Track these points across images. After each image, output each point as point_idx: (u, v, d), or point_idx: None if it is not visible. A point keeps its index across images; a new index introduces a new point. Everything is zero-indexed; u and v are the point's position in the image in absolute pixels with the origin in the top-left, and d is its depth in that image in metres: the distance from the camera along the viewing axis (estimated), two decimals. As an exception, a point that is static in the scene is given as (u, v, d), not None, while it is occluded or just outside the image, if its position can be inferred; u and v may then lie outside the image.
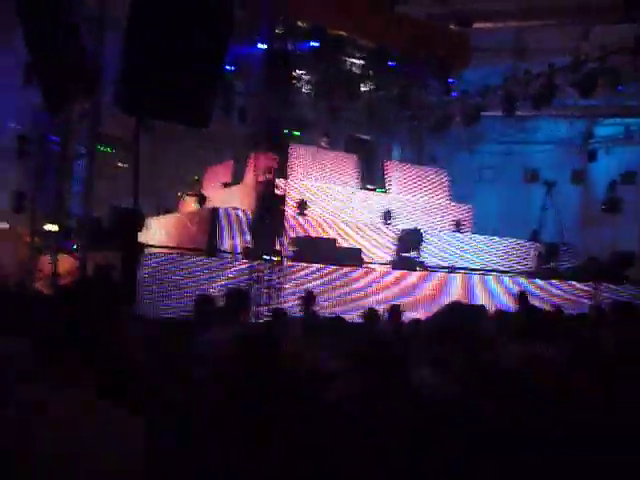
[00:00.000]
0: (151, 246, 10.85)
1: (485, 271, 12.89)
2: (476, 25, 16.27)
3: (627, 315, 4.80)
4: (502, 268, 13.58)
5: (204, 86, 9.11)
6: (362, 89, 16.26)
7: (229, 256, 11.13)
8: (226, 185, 15.11)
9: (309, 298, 8.24)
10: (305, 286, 10.50)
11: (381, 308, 7.44)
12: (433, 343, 2.04)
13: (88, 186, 9.61)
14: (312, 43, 14.42)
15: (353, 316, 8.02)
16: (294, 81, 14.33)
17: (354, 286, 10.99)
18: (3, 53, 12.73)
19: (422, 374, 1.98)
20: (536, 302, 9.64)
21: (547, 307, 8.72)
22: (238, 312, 5.49)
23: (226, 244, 11.54)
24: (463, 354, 1.97)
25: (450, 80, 16.43)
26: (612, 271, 13.34)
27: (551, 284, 12.34)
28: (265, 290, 10.50)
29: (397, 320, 7.02)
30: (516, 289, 11.18)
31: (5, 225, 17.40)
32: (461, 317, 2.10)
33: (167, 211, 15.04)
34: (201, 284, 9.91)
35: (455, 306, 2.08)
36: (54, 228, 10.68)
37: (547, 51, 17.02)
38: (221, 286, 9.30)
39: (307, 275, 10.88)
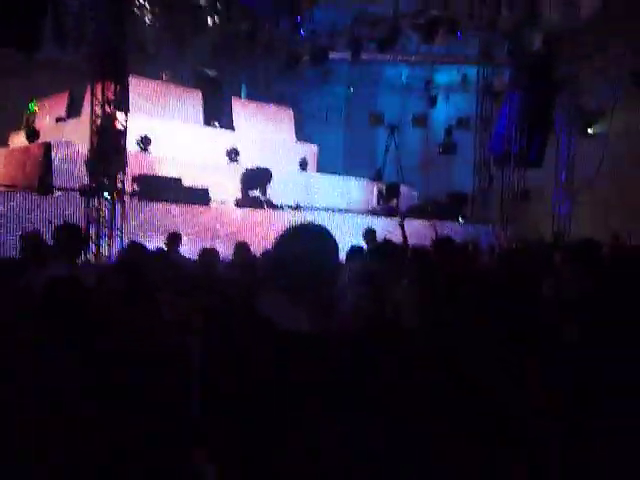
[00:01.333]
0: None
1: (329, 209, 13.14)
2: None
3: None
4: (345, 207, 13.93)
5: (33, 6, 8.35)
6: (209, 23, 15.65)
7: (63, 194, 10.45)
8: (60, 119, 14.12)
9: (174, 238, 7.93)
10: (148, 225, 10.17)
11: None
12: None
13: None
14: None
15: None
16: (135, 8, 13.47)
17: (200, 226, 10.81)
18: None
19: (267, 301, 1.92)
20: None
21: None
22: (71, 250, 5.17)
23: (60, 181, 10.83)
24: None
25: (299, 19, 16.24)
26: (448, 210, 14.14)
27: (392, 222, 12.83)
28: (104, 229, 10.04)
29: (244, 256, 6.96)
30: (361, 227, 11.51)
31: None
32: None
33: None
34: (33, 224, 9.29)
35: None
36: None
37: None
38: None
39: (151, 214, 10.53)
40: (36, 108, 14.63)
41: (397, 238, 9.31)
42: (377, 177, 15.39)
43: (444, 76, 19.83)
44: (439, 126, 18.68)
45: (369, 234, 8.64)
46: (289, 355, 1.74)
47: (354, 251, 5.52)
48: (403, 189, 14.85)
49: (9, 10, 8.11)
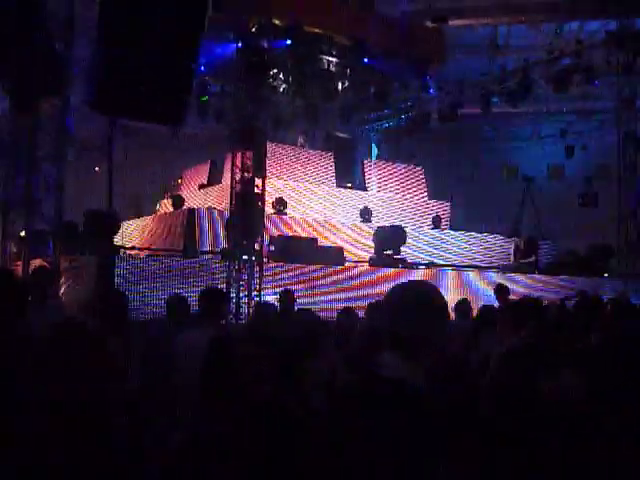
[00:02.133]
0: (127, 248, 10.68)
1: (465, 266, 12.85)
2: (452, 22, 16.26)
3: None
4: (482, 264, 13.57)
5: (177, 84, 8.97)
6: (339, 87, 16.16)
7: (207, 257, 10.98)
8: (203, 186, 14.97)
9: (288, 296, 8.10)
10: (285, 285, 10.39)
11: (361, 305, 7.35)
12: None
13: (59, 189, 9.40)
14: (287, 41, 14.31)
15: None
16: (270, 80, 14.19)
17: (336, 285, 10.91)
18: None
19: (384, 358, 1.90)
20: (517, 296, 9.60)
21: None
22: (214, 312, 5.37)
23: (204, 245, 11.40)
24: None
25: (427, 77, 16.40)
26: (591, 264, 13.39)
27: (531, 278, 12.33)
28: (243, 290, 10.38)
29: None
30: (496, 283, 11.16)
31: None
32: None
33: (143, 214, 14.85)
34: (179, 286, 9.76)
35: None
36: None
37: (523, 47, 17.08)
38: (199, 287, 9.15)
39: (287, 274, 10.77)
40: (179, 180, 15.65)
41: (539, 294, 8.91)
42: (513, 232, 14.90)
43: (581, 124, 19.16)
44: (577, 176, 17.93)
45: (501, 291, 8.37)
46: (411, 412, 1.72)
47: (485, 312, 5.38)
48: (542, 243, 14.28)
49: (157, 88, 8.74)
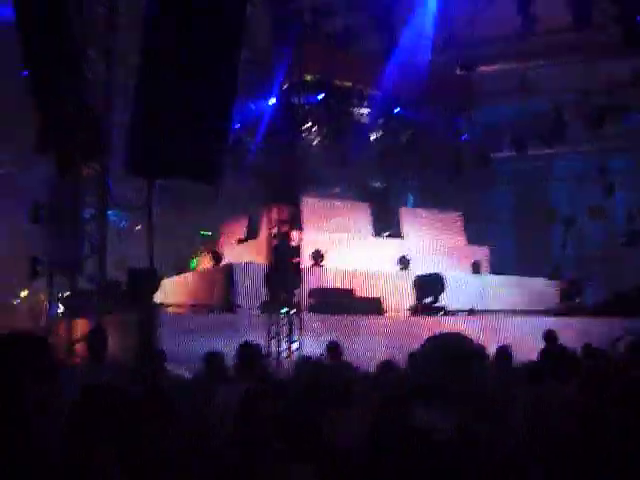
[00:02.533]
0: (167, 305, 10.81)
1: (506, 311, 12.62)
2: (481, 69, 16.43)
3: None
4: (524, 307, 13.31)
5: (213, 143, 9.18)
6: (371, 137, 16.36)
7: (246, 311, 11.03)
8: (241, 241, 15.14)
9: (335, 350, 8.07)
10: (324, 337, 10.34)
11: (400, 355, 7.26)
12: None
13: (101, 249, 9.65)
14: (319, 96, 14.62)
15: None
16: (304, 133, 14.45)
17: (373, 336, 10.82)
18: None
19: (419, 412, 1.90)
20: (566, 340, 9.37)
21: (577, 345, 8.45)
22: (251, 367, 5.39)
23: (243, 299, 11.47)
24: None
25: (458, 123, 16.52)
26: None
27: (578, 321, 12.03)
28: (284, 343, 10.37)
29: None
30: (542, 328, 10.92)
31: (25, 292, 17.50)
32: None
33: (184, 270, 15.06)
34: (219, 341, 9.80)
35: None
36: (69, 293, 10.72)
37: (554, 89, 17.11)
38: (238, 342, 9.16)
39: (325, 326, 10.73)
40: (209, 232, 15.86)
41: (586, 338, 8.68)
42: (555, 274, 14.63)
43: (619, 162, 18.92)
44: (619, 215, 17.63)
45: (550, 336, 8.21)
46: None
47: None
48: (587, 285, 13.98)
49: (193, 149, 8.96)
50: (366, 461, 1.86)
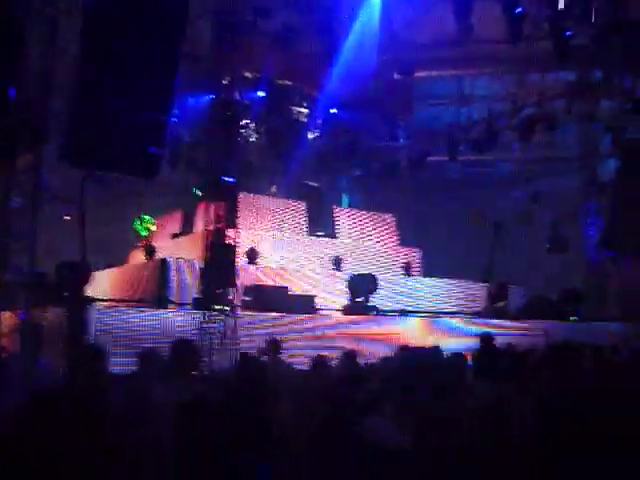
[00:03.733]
0: (98, 300, 10.58)
1: (437, 313, 12.96)
2: (418, 74, 16.77)
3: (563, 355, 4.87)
4: (453, 310, 13.70)
5: (150, 136, 9.09)
6: (309, 136, 16.47)
7: (179, 307, 10.93)
8: (175, 236, 14.97)
9: (275, 345, 8.14)
10: (258, 335, 10.37)
11: (334, 354, 7.39)
12: (384, 392, 2.04)
13: (31, 240, 9.38)
14: (259, 93, 14.60)
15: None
16: (241, 130, 14.40)
17: (307, 334, 10.91)
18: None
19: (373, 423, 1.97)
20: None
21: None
22: (185, 365, 5.38)
23: (175, 295, 11.36)
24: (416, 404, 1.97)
25: (396, 127, 16.81)
26: (560, 308, 13.60)
27: (502, 324, 12.45)
28: (217, 341, 10.32)
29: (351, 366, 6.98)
30: (470, 330, 11.28)
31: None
32: (414, 364, 2.09)
33: (113, 264, 14.75)
34: (150, 337, 9.69)
35: (406, 352, 2.09)
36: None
37: (487, 97, 17.64)
38: (171, 338, 9.09)
39: (262, 324, 10.77)
40: (150, 226, 15.54)
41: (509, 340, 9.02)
42: (485, 278, 15.08)
43: (546, 171, 19.63)
44: (545, 222, 18.29)
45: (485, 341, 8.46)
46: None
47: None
48: (512, 289, 14.47)
49: (130, 141, 8.84)
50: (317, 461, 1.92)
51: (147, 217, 15.32)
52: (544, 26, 14.40)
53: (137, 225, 15.19)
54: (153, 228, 15.12)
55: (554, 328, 12.14)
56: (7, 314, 9.95)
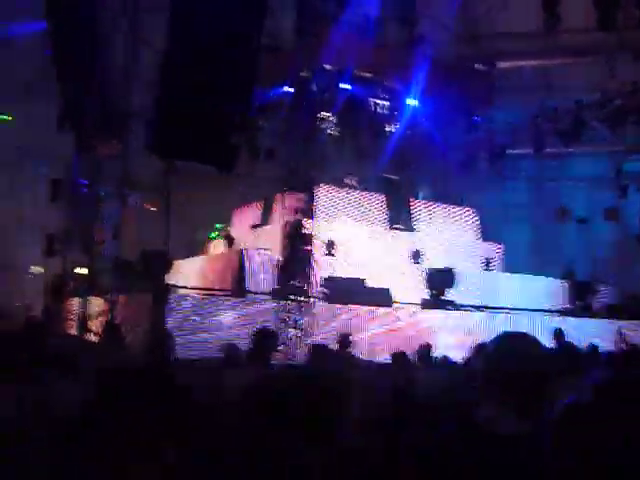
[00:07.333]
0: (179, 287, 10.88)
1: (517, 310, 12.62)
2: (501, 65, 16.34)
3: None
4: (534, 307, 13.30)
5: (231, 128, 9.23)
6: (387, 129, 16.32)
7: (257, 297, 11.10)
8: (254, 227, 15.18)
9: (345, 341, 8.20)
10: (334, 325, 10.41)
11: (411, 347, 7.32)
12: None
13: (117, 229, 9.73)
14: (341, 85, 14.56)
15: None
16: (320, 122, 14.43)
17: (385, 326, 10.87)
18: (40, 102, 13.07)
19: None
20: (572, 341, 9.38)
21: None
22: (265, 353, 5.44)
23: (254, 285, 11.53)
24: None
25: (476, 119, 16.45)
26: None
27: (587, 323, 12.01)
28: (293, 330, 10.43)
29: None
30: (551, 328, 10.93)
31: (40, 270, 17.64)
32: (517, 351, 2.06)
33: (196, 253, 15.13)
34: (229, 326, 9.89)
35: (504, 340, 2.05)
36: (84, 271, 10.81)
37: (574, 88, 17.00)
38: (248, 327, 9.25)
39: (336, 315, 10.79)
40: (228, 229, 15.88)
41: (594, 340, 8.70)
42: (567, 275, 14.58)
43: (635, 165, 18.79)
44: (633, 217, 17.49)
45: (557, 335, 8.24)
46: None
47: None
48: (598, 286, 13.92)
49: (210, 130, 9.01)
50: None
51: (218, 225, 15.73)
52: (636, 13, 13.71)
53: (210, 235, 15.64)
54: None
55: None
56: (95, 299, 10.39)
